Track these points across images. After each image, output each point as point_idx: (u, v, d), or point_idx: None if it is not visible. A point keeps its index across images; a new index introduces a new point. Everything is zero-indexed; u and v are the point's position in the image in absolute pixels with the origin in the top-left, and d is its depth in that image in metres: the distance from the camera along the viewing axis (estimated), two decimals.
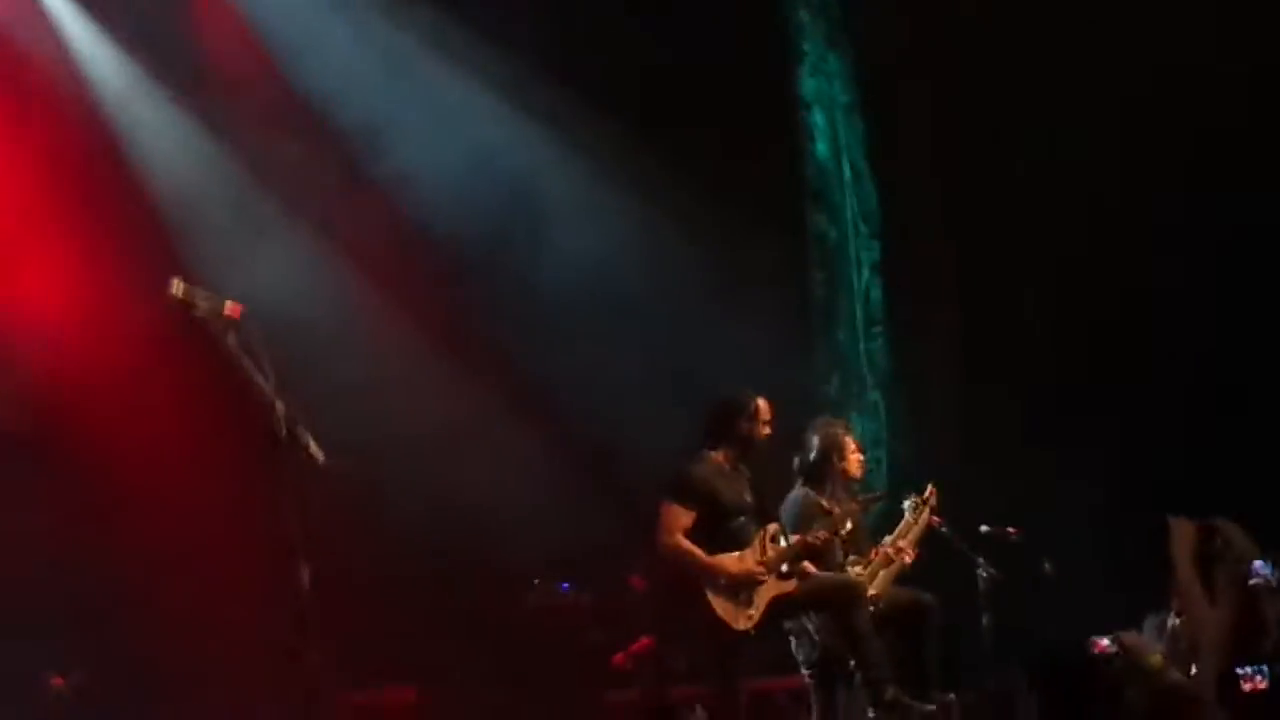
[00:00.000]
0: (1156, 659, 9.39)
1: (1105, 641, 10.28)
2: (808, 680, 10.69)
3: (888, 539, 10.95)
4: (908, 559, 10.86)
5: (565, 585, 13.74)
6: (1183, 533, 9.02)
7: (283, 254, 12.55)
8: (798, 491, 10.81)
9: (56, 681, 11.14)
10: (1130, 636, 9.93)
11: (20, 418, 11.91)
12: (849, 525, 10.59)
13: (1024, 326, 13.64)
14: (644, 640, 12.74)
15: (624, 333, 13.48)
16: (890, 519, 11.27)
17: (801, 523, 10.52)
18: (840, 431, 11.02)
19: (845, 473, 10.87)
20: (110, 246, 12.28)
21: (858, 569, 10.72)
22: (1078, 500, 12.86)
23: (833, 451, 10.84)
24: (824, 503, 10.62)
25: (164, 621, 12.01)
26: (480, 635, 13.23)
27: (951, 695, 10.15)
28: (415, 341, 13.14)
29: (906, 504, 11.08)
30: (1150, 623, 10.72)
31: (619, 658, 12.84)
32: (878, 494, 11.49)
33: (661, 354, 13.36)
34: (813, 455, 10.85)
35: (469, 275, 13.47)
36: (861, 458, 11.11)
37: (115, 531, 12.04)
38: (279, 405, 7.52)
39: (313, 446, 7.54)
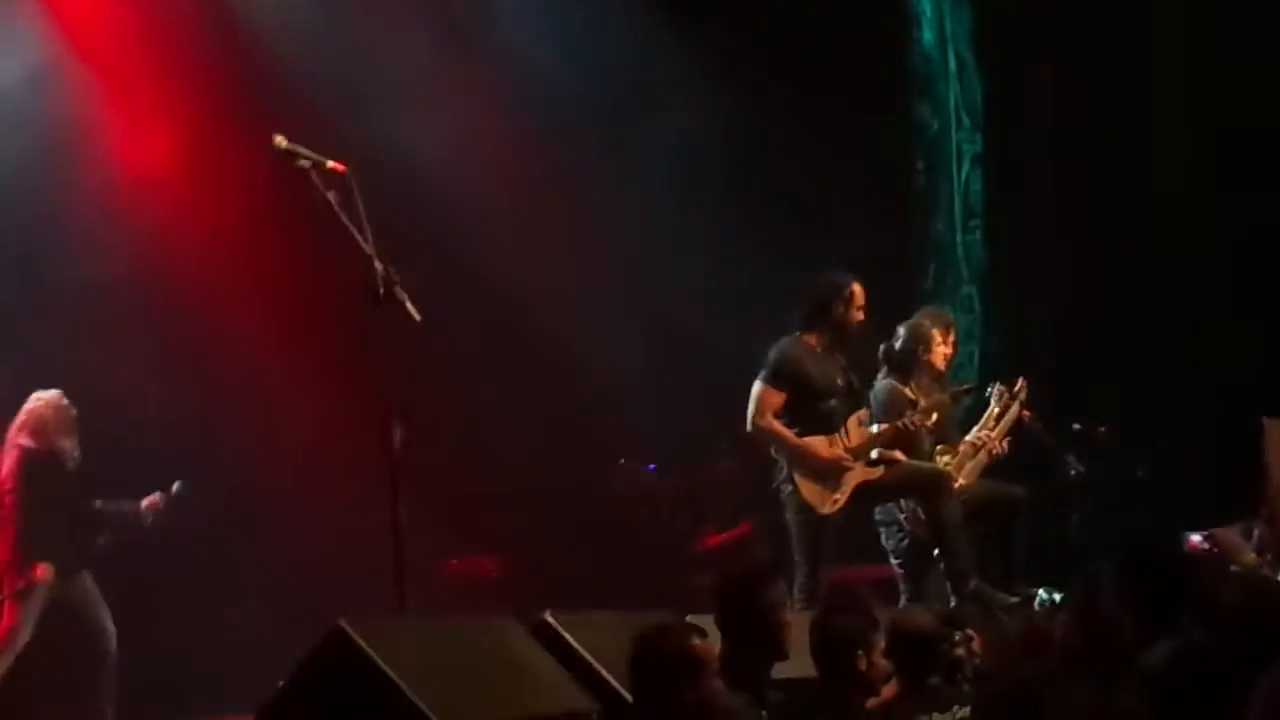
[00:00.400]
0: (1251, 558, 9.33)
1: (1198, 538, 10.22)
2: (897, 570, 10.68)
3: (975, 429, 10.89)
4: (997, 449, 10.79)
5: (651, 466, 13.77)
6: (1277, 435, 8.87)
7: (389, 118, 12.53)
8: (883, 381, 10.75)
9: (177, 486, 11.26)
10: (1224, 534, 9.85)
11: (124, 269, 11.99)
12: (935, 416, 10.54)
13: (1127, 224, 13.45)
14: (741, 527, 12.75)
15: (719, 218, 13.40)
16: (980, 412, 11.19)
17: (887, 412, 10.48)
18: (929, 323, 10.91)
19: (931, 364, 10.78)
20: (221, 104, 12.29)
21: (945, 459, 10.67)
22: (1172, 399, 12.76)
23: (919, 343, 10.76)
24: (910, 393, 10.57)
25: (258, 473, 12.11)
26: (566, 512, 13.28)
27: (1037, 589, 10.12)
28: (518, 215, 13.10)
29: (990, 392, 11.01)
30: (1241, 527, 10.62)
31: (712, 540, 12.86)
32: (967, 386, 11.38)
33: (757, 238, 13.27)
34: (899, 345, 10.77)
35: (571, 152, 13.36)
36: (949, 351, 10.99)
37: (212, 384, 12.12)
38: (378, 264, 7.55)
39: (410, 306, 7.57)
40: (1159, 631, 6.42)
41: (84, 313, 11.81)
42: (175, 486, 11.19)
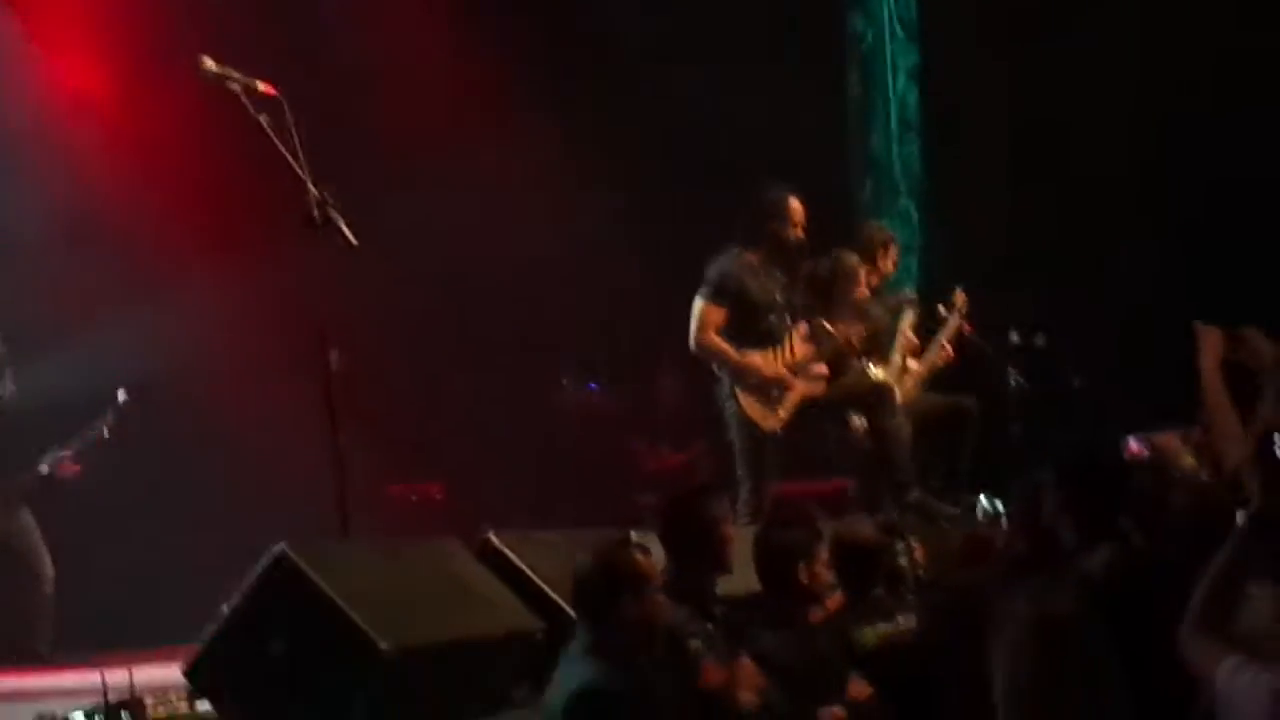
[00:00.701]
0: (1190, 462, 9.33)
1: (1137, 444, 10.25)
2: (850, 484, 10.73)
3: (897, 339, 10.90)
4: (941, 357, 10.85)
5: (593, 385, 13.77)
6: (1210, 340, 8.86)
7: (323, 34, 12.44)
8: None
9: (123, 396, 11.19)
10: (1163, 440, 9.87)
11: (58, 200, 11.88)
12: (868, 332, 10.53)
13: (1066, 133, 13.45)
14: (687, 450, 12.76)
15: (653, 134, 13.37)
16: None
17: (808, 338, 10.43)
18: (855, 261, 10.81)
19: (855, 301, 10.72)
20: (151, 27, 12.17)
21: (878, 371, 10.69)
22: (1110, 306, 12.81)
23: (842, 278, 10.68)
24: (827, 325, 10.50)
25: (198, 399, 12.04)
26: (508, 433, 13.27)
27: (979, 498, 10.16)
28: (461, 134, 13.02)
29: (905, 300, 11.06)
30: (1180, 433, 10.65)
31: (660, 463, 12.86)
32: (908, 296, 11.35)
33: (691, 154, 13.24)
34: (823, 274, 10.71)
35: (511, 67, 13.26)
36: (873, 283, 10.88)
37: (150, 311, 12.02)
38: (312, 188, 7.49)
39: (345, 230, 7.52)
40: (1099, 537, 6.47)
41: (17, 242, 11.71)
42: (119, 395, 11.12)
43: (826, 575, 7.49)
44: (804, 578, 7.37)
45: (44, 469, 10.97)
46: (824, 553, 7.49)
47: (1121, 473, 6.93)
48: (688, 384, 12.02)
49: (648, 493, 12.04)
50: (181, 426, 11.89)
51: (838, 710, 7.08)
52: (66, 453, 11.01)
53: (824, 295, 10.59)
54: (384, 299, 11.96)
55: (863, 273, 10.71)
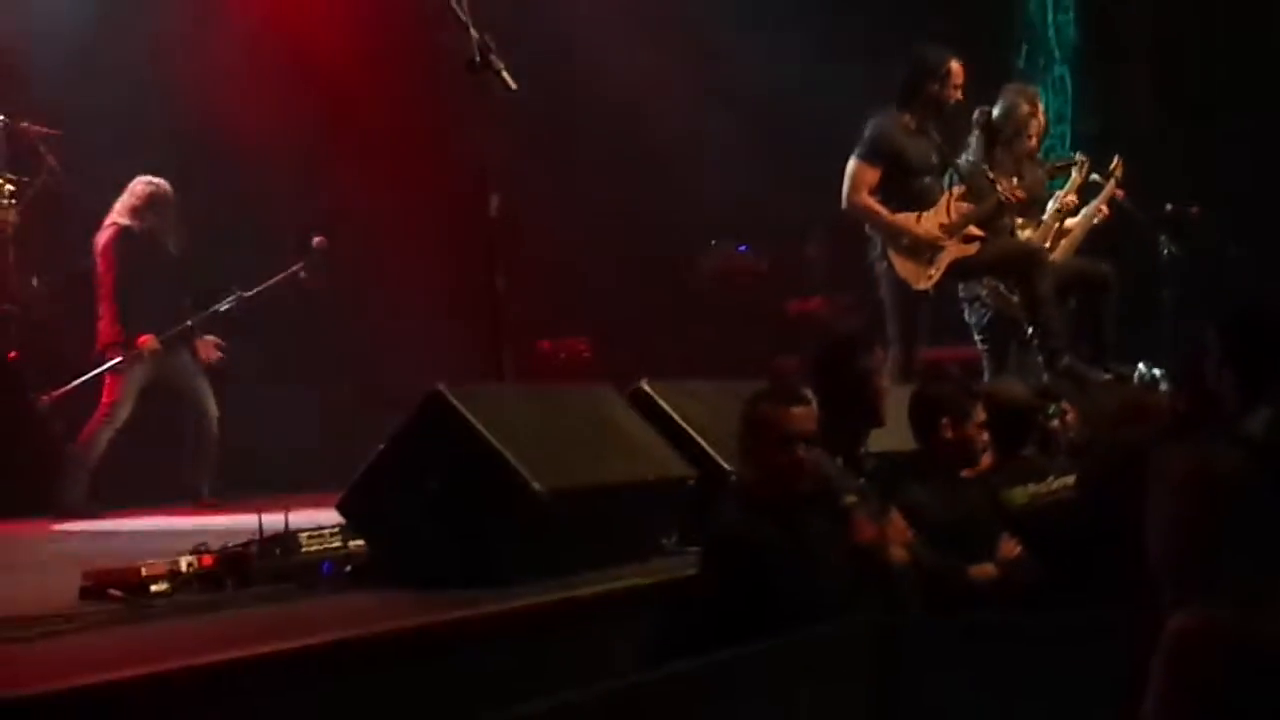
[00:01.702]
0: None
1: None
2: (980, 347, 10.65)
3: (1053, 200, 10.75)
4: (1099, 215, 10.73)
5: (743, 247, 13.74)
6: None
7: None
8: (969, 161, 10.55)
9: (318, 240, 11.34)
10: None
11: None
12: (1018, 195, 10.40)
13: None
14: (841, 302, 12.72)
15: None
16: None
17: (971, 191, 10.32)
18: (1026, 108, 10.69)
19: (1025, 152, 10.60)
20: None
21: (1027, 233, 10.58)
22: (1267, 177, 12.61)
23: (1011, 126, 10.56)
24: (989, 173, 10.39)
25: (358, 249, 12.14)
26: (657, 292, 13.30)
27: (1136, 366, 10.04)
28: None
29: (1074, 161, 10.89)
30: None
31: (801, 307, 12.83)
32: (1070, 160, 11.15)
33: (852, 16, 13.12)
34: (995, 117, 10.58)
35: None
36: (1035, 145, 10.78)
37: (312, 151, 12.13)
38: (474, 32, 7.51)
39: (506, 74, 7.53)
40: (1261, 398, 6.37)
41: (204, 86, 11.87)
42: (315, 241, 11.25)
43: (980, 435, 7.43)
44: (950, 433, 7.31)
45: (223, 308, 11.16)
46: (978, 412, 7.43)
47: None
48: (839, 245, 11.96)
49: (796, 352, 12.03)
50: (341, 271, 11.98)
51: (988, 567, 7.06)
52: (241, 296, 11.17)
53: (991, 144, 10.46)
54: (542, 156, 11.96)
55: (1034, 124, 10.58)
